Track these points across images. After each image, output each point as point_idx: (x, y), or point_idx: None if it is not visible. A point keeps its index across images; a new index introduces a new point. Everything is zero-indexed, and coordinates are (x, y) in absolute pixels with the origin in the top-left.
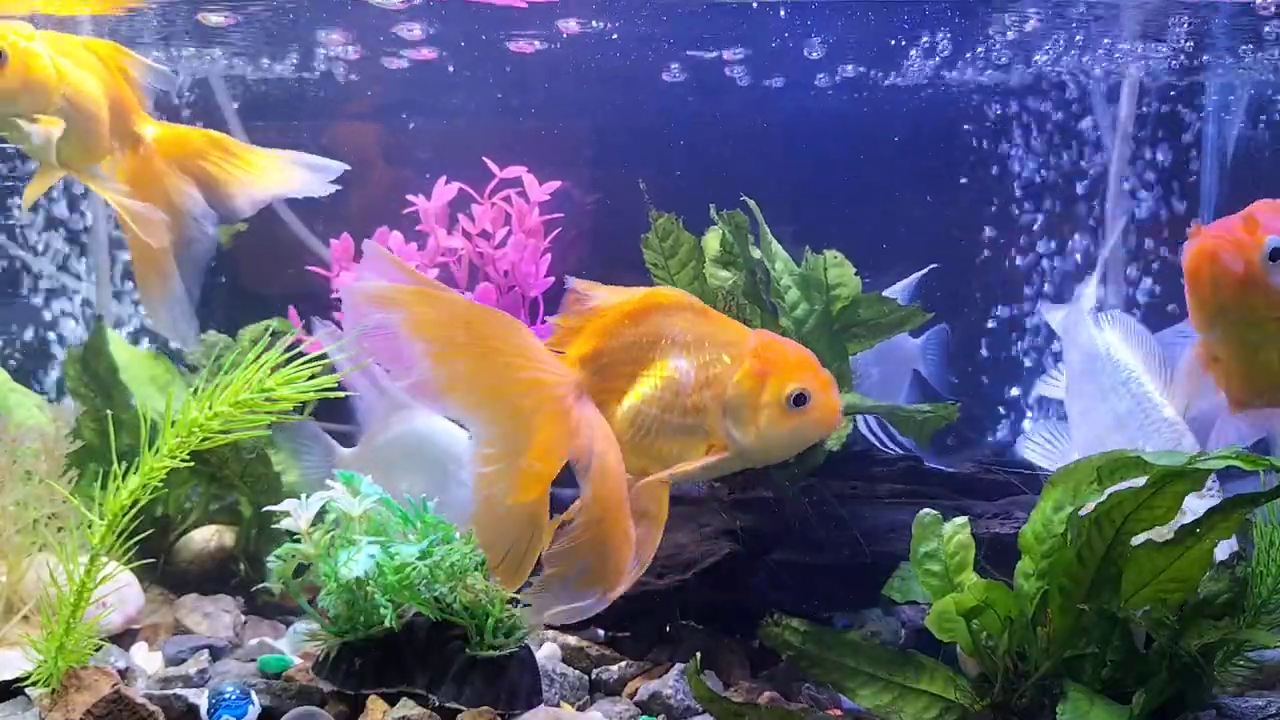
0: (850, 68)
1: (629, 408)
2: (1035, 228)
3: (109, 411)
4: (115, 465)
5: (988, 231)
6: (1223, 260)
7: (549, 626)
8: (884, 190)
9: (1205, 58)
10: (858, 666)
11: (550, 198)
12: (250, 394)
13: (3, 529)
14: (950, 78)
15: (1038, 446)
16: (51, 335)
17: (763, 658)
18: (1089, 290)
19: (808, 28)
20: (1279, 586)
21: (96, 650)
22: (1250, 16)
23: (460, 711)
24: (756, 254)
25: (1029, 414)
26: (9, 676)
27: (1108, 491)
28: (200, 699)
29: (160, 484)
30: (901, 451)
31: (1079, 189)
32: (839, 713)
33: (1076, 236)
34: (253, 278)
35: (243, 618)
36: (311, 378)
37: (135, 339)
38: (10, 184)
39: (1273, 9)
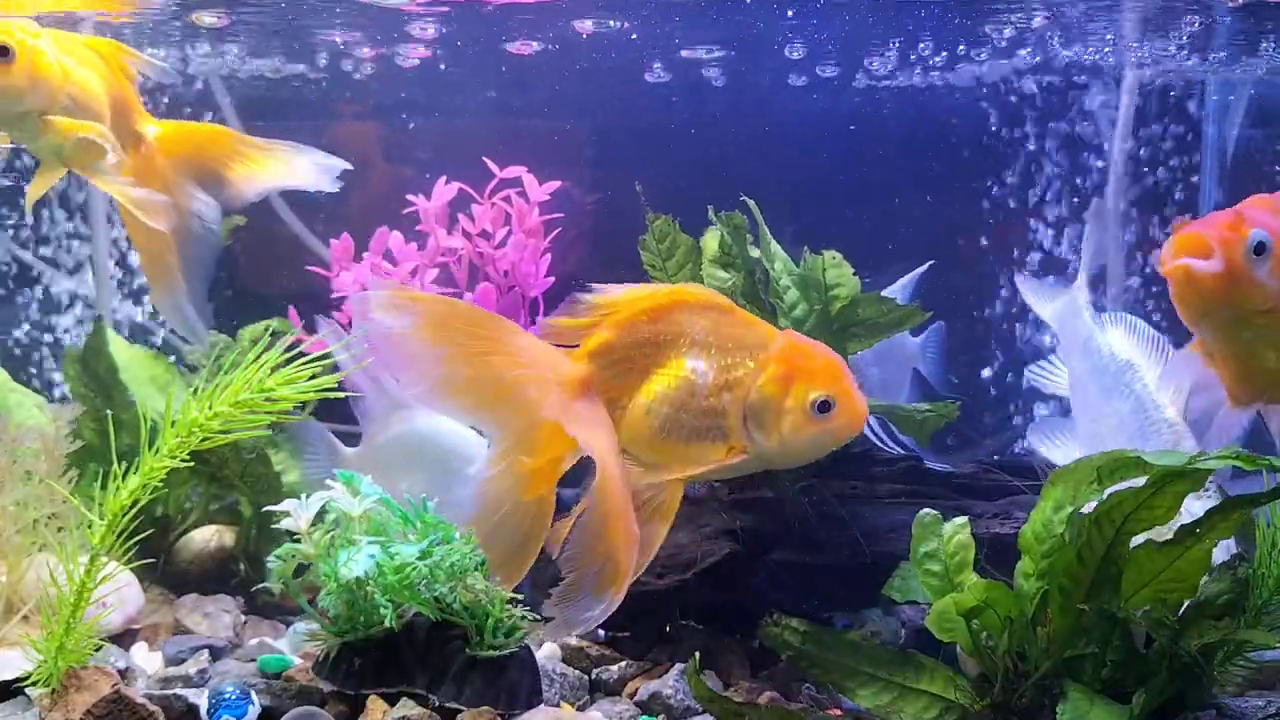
0: (849, 67)
1: (642, 405)
2: (1032, 224)
3: (109, 411)
4: (115, 465)
5: (987, 230)
6: (1201, 260)
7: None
8: (882, 189)
9: (1208, 56)
10: (858, 666)
11: (550, 198)
12: (250, 394)
13: (3, 529)
14: (950, 77)
15: (1047, 438)
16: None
17: (763, 658)
18: (1080, 282)
19: (813, 27)
20: None
21: (96, 650)
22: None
23: (460, 711)
24: (755, 253)
25: (1034, 409)
26: (9, 676)
27: (1108, 491)
28: (200, 699)
29: (160, 484)
30: (902, 451)
31: (1077, 185)
32: (839, 713)
33: (1072, 231)
34: (253, 278)
35: (243, 618)
36: (312, 378)
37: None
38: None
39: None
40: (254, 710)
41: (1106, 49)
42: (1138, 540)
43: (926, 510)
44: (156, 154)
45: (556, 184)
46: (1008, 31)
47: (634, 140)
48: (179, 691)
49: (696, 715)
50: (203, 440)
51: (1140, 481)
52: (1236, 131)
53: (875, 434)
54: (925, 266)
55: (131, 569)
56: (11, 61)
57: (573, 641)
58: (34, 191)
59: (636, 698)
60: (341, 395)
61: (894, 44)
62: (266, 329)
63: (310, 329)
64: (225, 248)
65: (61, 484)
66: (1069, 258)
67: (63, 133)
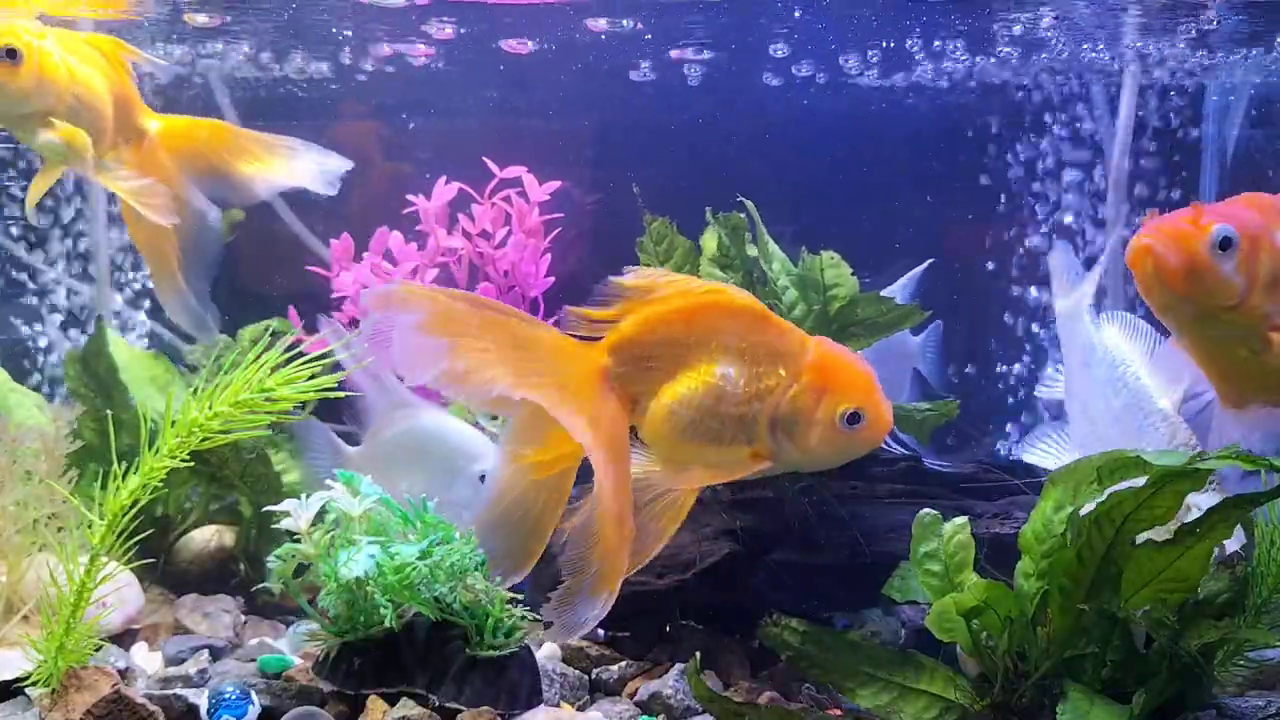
0: (851, 65)
1: (665, 405)
2: (1036, 226)
3: (109, 411)
4: (115, 465)
5: (987, 230)
6: (1162, 253)
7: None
8: (882, 189)
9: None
10: (858, 666)
11: (550, 197)
12: (250, 394)
13: (3, 529)
14: (951, 76)
15: (1043, 450)
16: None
17: (763, 658)
18: (1086, 287)
19: (817, 28)
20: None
21: (96, 650)
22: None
23: (460, 711)
24: (752, 251)
25: (1028, 416)
26: (9, 676)
27: (1108, 491)
28: (200, 699)
29: (160, 484)
30: (903, 451)
31: (1080, 186)
32: (839, 713)
33: (1081, 233)
34: (253, 277)
35: (243, 618)
36: (311, 378)
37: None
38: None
39: None
40: (254, 710)
41: (1107, 50)
42: (1138, 540)
43: (926, 510)
44: (159, 148)
45: (556, 184)
46: (1016, 29)
47: (634, 140)
48: (179, 691)
49: (696, 715)
50: (203, 440)
51: (1140, 481)
52: (1236, 131)
53: None
54: (925, 265)
55: (131, 569)
56: (20, 63)
57: (573, 641)
58: (35, 191)
59: (636, 698)
60: (343, 395)
61: (895, 45)
62: (266, 329)
63: (310, 329)
64: (225, 246)
65: (61, 484)
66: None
67: (68, 133)
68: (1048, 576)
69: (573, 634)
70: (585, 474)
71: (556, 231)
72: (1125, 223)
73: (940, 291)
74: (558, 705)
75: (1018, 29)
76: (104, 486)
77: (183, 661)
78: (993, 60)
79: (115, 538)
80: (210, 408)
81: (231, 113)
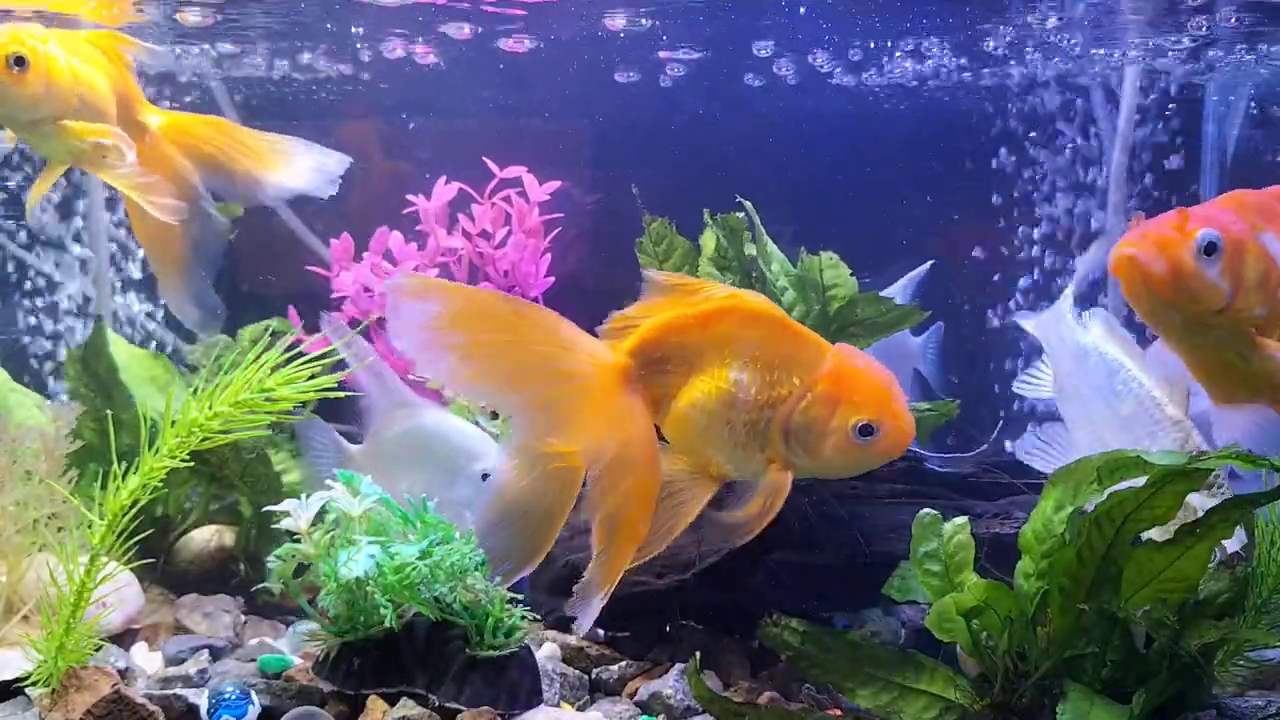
0: (848, 67)
1: (680, 408)
2: (1028, 229)
3: (109, 411)
4: (115, 465)
5: (987, 231)
6: (1146, 261)
7: (550, 626)
8: (882, 190)
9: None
10: (857, 666)
11: (550, 198)
12: (250, 394)
13: (3, 529)
14: (952, 76)
15: (1037, 452)
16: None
17: (763, 658)
18: (1069, 291)
19: (820, 28)
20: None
21: (96, 650)
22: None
23: (460, 711)
24: (751, 252)
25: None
26: (9, 676)
27: (1108, 491)
28: (200, 699)
29: (160, 484)
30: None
31: (1075, 188)
32: (839, 713)
33: (1069, 237)
34: (253, 277)
35: (243, 618)
36: (312, 377)
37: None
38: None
39: None
40: (254, 710)
41: (1109, 50)
42: (1138, 540)
43: (926, 510)
44: (161, 143)
45: (556, 184)
46: (1016, 30)
47: (635, 140)
48: (179, 691)
49: (696, 715)
50: (203, 440)
51: (1140, 481)
52: (1237, 131)
53: None
54: (926, 266)
55: (131, 569)
56: (27, 70)
57: (573, 641)
58: (37, 191)
59: (636, 698)
60: (343, 395)
61: (895, 45)
62: (266, 329)
63: (310, 329)
64: (226, 244)
65: (61, 484)
66: (1066, 259)
67: (78, 135)
68: (1048, 576)
69: (591, 616)
70: None
71: (556, 231)
72: (1122, 223)
73: (940, 292)
74: (558, 705)
75: (1018, 29)
76: (104, 486)
77: (183, 661)
78: (992, 60)
79: (115, 538)
80: (210, 408)
81: (231, 112)
